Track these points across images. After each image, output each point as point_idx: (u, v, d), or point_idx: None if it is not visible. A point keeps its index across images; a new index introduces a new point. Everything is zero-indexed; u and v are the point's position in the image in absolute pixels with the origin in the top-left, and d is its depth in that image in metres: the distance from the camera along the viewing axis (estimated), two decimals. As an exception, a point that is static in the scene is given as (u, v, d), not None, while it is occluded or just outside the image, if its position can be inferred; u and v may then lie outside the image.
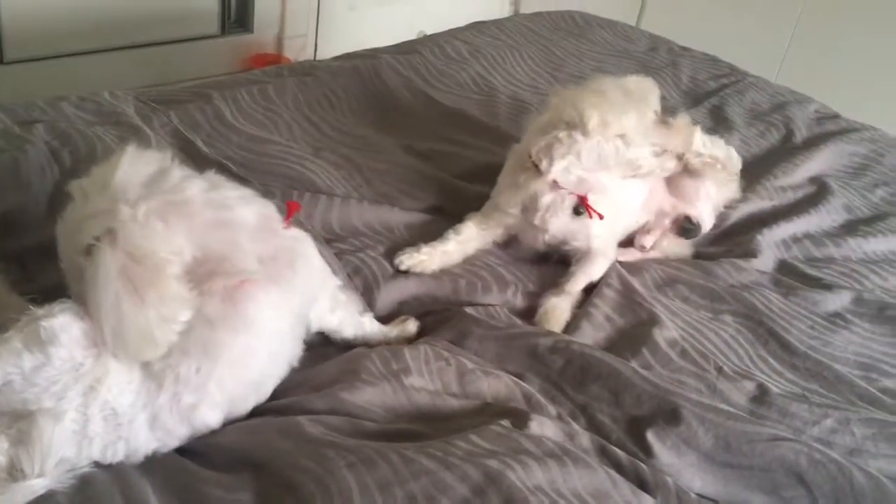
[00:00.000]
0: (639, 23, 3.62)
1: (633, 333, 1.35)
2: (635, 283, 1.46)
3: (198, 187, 0.99)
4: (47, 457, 0.89)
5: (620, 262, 1.53)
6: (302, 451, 0.98)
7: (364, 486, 0.91)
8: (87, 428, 0.92)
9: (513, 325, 1.32)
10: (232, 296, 0.98)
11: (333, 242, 1.47)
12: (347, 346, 1.25)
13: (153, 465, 0.98)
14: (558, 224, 1.47)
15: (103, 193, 0.94)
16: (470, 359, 1.21)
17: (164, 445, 0.99)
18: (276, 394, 1.11)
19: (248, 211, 1.03)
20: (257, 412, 1.08)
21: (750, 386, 1.26)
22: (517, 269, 1.51)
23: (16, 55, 2.60)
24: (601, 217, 1.45)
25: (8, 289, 1.16)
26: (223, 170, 1.53)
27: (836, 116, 2.24)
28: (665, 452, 1.11)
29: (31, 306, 0.93)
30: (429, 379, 1.15)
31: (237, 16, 3.18)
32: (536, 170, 1.44)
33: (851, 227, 1.75)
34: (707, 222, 1.64)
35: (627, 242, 1.61)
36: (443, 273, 1.45)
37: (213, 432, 1.03)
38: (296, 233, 1.13)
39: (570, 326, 1.36)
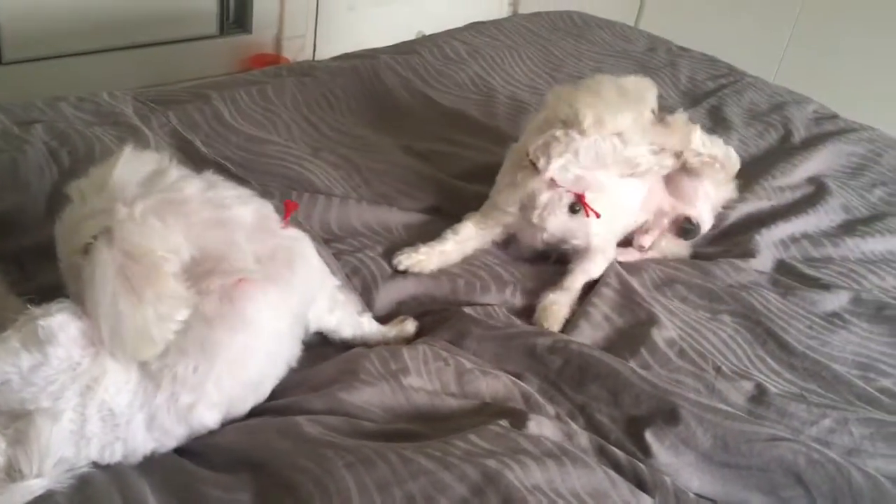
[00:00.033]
0: (637, 23, 3.63)
1: (632, 333, 1.35)
2: (634, 282, 1.46)
3: (195, 187, 1.00)
4: (45, 457, 0.89)
5: (619, 263, 1.53)
6: (300, 451, 0.98)
7: (363, 486, 0.91)
8: (85, 428, 0.92)
9: (511, 325, 1.32)
10: (230, 295, 0.98)
11: (332, 243, 1.47)
12: (346, 346, 1.25)
13: (152, 465, 0.98)
14: (556, 222, 1.47)
15: (101, 194, 0.95)
16: (468, 359, 1.21)
17: (162, 446, 0.99)
18: (275, 394, 1.11)
19: (246, 210, 1.03)
20: (256, 412, 1.08)
21: (748, 386, 1.26)
22: (515, 268, 1.51)
23: (15, 55, 2.60)
24: (598, 215, 1.45)
25: (6, 289, 1.16)
26: (222, 170, 1.54)
27: (834, 116, 2.24)
28: (663, 452, 1.11)
29: (29, 306, 0.93)
30: (427, 379, 1.15)
31: (236, 16, 3.17)
32: (534, 168, 1.44)
33: (849, 227, 1.75)
34: (706, 222, 1.64)
35: (626, 242, 1.61)
36: (441, 273, 1.45)
37: (212, 432, 1.03)
38: (294, 232, 1.13)
39: (569, 326, 1.36)
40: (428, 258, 1.44)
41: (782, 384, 1.30)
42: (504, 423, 1.06)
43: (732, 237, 1.70)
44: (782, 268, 1.61)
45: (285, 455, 0.98)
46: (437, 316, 1.37)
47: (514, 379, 1.19)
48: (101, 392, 0.92)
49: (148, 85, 2.31)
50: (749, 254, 1.61)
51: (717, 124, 2.11)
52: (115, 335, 0.90)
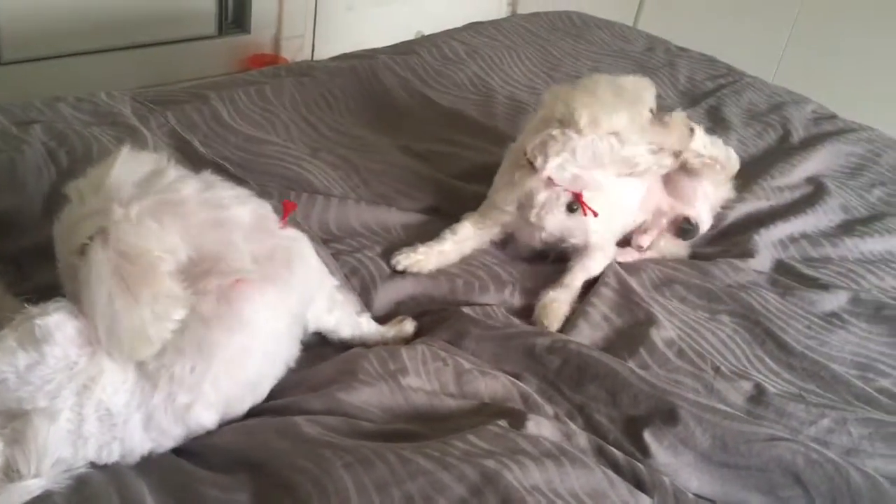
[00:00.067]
0: (636, 23, 3.62)
1: (631, 333, 1.35)
2: (633, 282, 1.46)
3: (192, 187, 1.00)
4: (43, 457, 0.89)
5: (618, 263, 1.53)
6: (299, 451, 0.98)
7: (361, 486, 0.91)
8: (82, 428, 0.92)
9: (510, 325, 1.32)
10: (227, 295, 0.98)
11: (331, 243, 1.47)
12: (345, 346, 1.25)
13: (149, 465, 0.98)
14: (554, 221, 1.47)
15: (98, 194, 0.95)
16: (467, 359, 1.21)
17: (160, 446, 0.99)
18: (274, 394, 1.11)
19: (244, 210, 1.03)
20: (254, 412, 1.08)
21: (747, 386, 1.26)
22: (514, 268, 1.51)
23: (13, 55, 2.60)
24: (595, 214, 1.45)
25: (4, 289, 1.16)
26: (220, 170, 1.54)
27: (833, 117, 2.25)
28: (662, 452, 1.11)
29: (26, 305, 0.93)
30: (426, 379, 1.15)
31: (234, 16, 3.17)
32: (531, 167, 1.44)
33: (848, 227, 1.75)
34: (705, 222, 1.64)
35: (625, 242, 1.61)
36: (440, 273, 1.45)
37: (210, 432, 1.03)
38: (292, 232, 1.13)
39: (568, 325, 1.36)
40: (426, 258, 1.44)
41: (781, 384, 1.30)
42: (503, 423, 1.06)
43: (731, 237, 1.70)
44: (781, 268, 1.61)
45: (284, 455, 0.98)
46: (435, 316, 1.37)
47: (512, 379, 1.19)
48: (98, 391, 0.92)
49: (146, 85, 2.31)
50: (748, 254, 1.61)
51: (715, 124, 2.11)
52: (111, 335, 0.90)
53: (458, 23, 2.51)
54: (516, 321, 1.35)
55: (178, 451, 1.02)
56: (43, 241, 1.06)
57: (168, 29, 2.94)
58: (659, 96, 1.56)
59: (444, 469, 0.93)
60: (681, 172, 1.57)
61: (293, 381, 1.13)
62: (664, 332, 1.33)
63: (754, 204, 1.78)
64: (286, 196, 1.53)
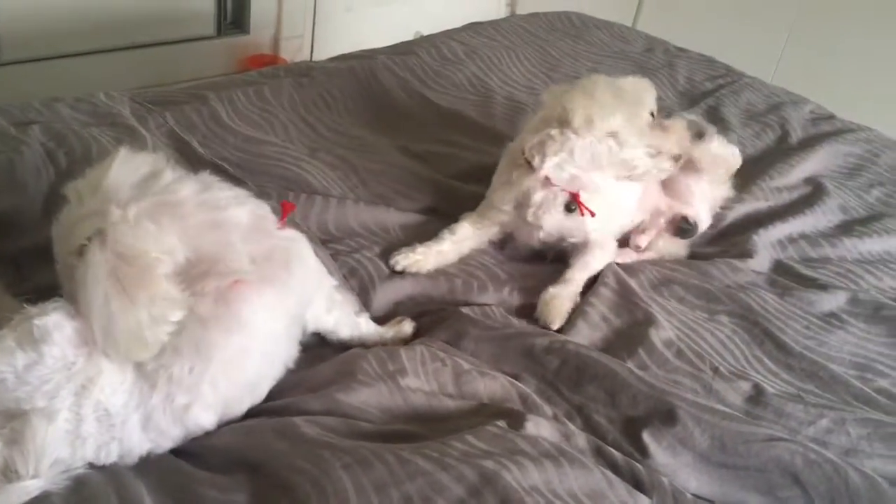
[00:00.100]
0: (635, 24, 3.62)
1: (630, 333, 1.35)
2: (632, 283, 1.46)
3: (190, 188, 1.00)
4: (42, 457, 0.89)
5: (617, 264, 1.53)
6: (298, 452, 0.98)
7: (360, 486, 0.91)
8: (81, 428, 0.92)
9: (509, 326, 1.32)
10: (225, 296, 0.98)
11: (329, 243, 1.47)
12: (344, 346, 1.25)
13: (148, 465, 0.98)
14: (552, 221, 1.47)
15: (96, 195, 0.95)
16: (466, 359, 1.21)
17: (158, 446, 0.99)
18: (272, 395, 1.11)
19: (242, 211, 1.03)
20: (253, 413, 1.08)
21: (745, 386, 1.26)
22: (513, 268, 1.51)
23: (12, 56, 2.60)
24: (592, 214, 1.45)
25: (3, 289, 1.16)
26: (219, 171, 1.53)
27: (831, 117, 2.25)
28: (661, 453, 1.11)
29: (25, 305, 0.93)
30: (425, 380, 1.15)
31: (233, 17, 3.17)
32: (529, 166, 1.44)
33: (847, 228, 1.75)
34: (704, 222, 1.64)
35: (623, 243, 1.61)
36: (438, 273, 1.45)
37: (209, 433, 1.03)
38: (291, 233, 1.13)
39: (567, 325, 1.36)
40: (425, 258, 1.44)
41: (780, 384, 1.30)
42: (501, 423, 1.06)
43: (730, 237, 1.70)
44: (780, 268, 1.61)
45: (282, 456, 0.98)
46: (434, 316, 1.37)
47: (511, 380, 1.19)
48: (96, 392, 0.92)
49: (145, 86, 2.31)
50: (746, 254, 1.61)
51: (714, 125, 2.09)
52: (107, 337, 0.90)
53: (457, 23, 2.51)
54: (515, 321, 1.35)
55: (176, 452, 1.02)
56: (42, 242, 1.06)
57: (167, 29, 2.94)
58: (658, 97, 1.56)
59: (443, 470, 0.93)
60: (679, 172, 1.57)
61: (292, 382, 1.13)
62: (663, 333, 1.33)
63: (753, 204, 1.78)
64: (285, 196, 1.53)
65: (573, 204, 1.45)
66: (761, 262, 1.61)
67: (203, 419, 1.01)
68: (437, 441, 1.00)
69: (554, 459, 0.99)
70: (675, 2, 3.70)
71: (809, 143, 2.05)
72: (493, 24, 2.54)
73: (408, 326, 1.33)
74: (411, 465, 0.93)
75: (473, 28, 2.45)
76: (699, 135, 1.57)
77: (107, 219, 0.91)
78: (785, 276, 1.57)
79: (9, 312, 0.93)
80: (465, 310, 1.34)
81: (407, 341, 1.30)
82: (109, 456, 0.96)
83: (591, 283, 1.47)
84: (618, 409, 1.17)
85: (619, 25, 2.73)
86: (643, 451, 1.11)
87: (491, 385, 1.16)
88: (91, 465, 0.95)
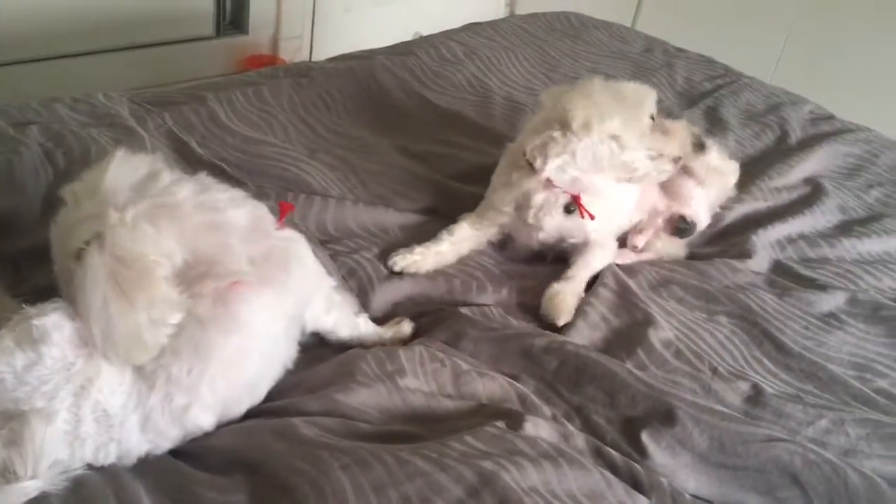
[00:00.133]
0: (634, 24, 3.63)
1: (629, 334, 1.35)
2: (631, 283, 1.46)
3: (188, 190, 1.00)
4: (40, 458, 0.89)
5: (617, 265, 1.53)
6: (296, 452, 0.97)
7: (359, 487, 0.91)
8: (79, 429, 0.92)
9: (507, 326, 1.32)
10: (223, 297, 0.98)
11: (328, 244, 1.47)
12: (343, 347, 1.25)
13: (146, 466, 0.98)
14: (552, 222, 1.47)
15: (93, 198, 0.95)
16: (465, 360, 1.21)
17: (157, 447, 0.99)
18: (271, 395, 1.11)
19: (239, 213, 1.03)
20: (252, 414, 1.08)
21: (744, 386, 1.26)
22: (512, 268, 1.51)
23: (10, 56, 2.60)
24: (592, 217, 1.45)
25: (2, 290, 1.16)
26: (218, 171, 1.54)
27: (830, 117, 2.25)
28: (660, 453, 1.11)
29: (24, 306, 0.93)
30: (424, 380, 1.15)
31: (232, 17, 3.17)
32: (530, 168, 1.44)
33: (846, 228, 1.75)
34: (702, 221, 1.64)
35: (621, 243, 1.61)
36: (437, 273, 1.45)
37: (207, 434, 1.03)
38: (289, 234, 1.13)
39: (566, 325, 1.36)
40: (423, 259, 1.44)
41: (778, 385, 1.30)
42: (500, 424, 1.06)
43: (729, 238, 1.70)
44: (779, 268, 1.61)
45: (281, 457, 0.98)
46: (433, 317, 1.37)
47: (510, 380, 1.19)
48: (95, 392, 0.92)
49: (144, 86, 2.30)
50: (745, 254, 1.61)
51: (713, 125, 2.11)
52: (107, 340, 0.90)
53: (457, 23, 2.51)
54: (514, 322, 1.35)
55: (175, 453, 1.02)
56: (41, 243, 1.06)
57: (166, 30, 2.93)
58: (658, 98, 1.56)
59: (442, 470, 0.93)
60: (678, 172, 1.57)
61: (291, 383, 1.13)
62: (662, 333, 1.33)
63: (752, 205, 1.78)
64: (284, 197, 1.53)
65: (572, 205, 1.45)
66: (760, 262, 1.61)
67: (202, 420, 1.01)
68: (435, 442, 1.00)
69: (553, 460, 0.99)
70: (675, 2, 3.70)
71: (808, 144, 2.05)
72: (492, 24, 2.54)
73: (407, 327, 1.33)
74: (410, 465, 0.93)
75: (472, 28, 2.45)
76: (699, 146, 1.57)
77: (105, 222, 0.91)
78: (784, 277, 1.57)
79: (8, 313, 0.93)
80: (463, 310, 1.34)
81: (406, 342, 1.30)
82: (108, 457, 0.96)
83: (590, 284, 1.47)
84: (617, 409, 1.17)
85: (617, 26, 2.73)
86: (642, 452, 1.11)
87: (490, 385, 1.16)
88: (89, 466, 0.95)
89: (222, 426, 1.04)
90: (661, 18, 3.58)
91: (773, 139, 2.11)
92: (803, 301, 1.49)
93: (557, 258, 1.53)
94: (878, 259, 1.68)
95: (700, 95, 2.29)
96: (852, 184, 1.93)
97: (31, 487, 0.89)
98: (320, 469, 0.93)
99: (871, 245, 1.70)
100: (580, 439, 1.10)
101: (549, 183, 1.44)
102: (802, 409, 1.22)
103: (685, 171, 1.57)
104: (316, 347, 1.25)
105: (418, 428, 1.07)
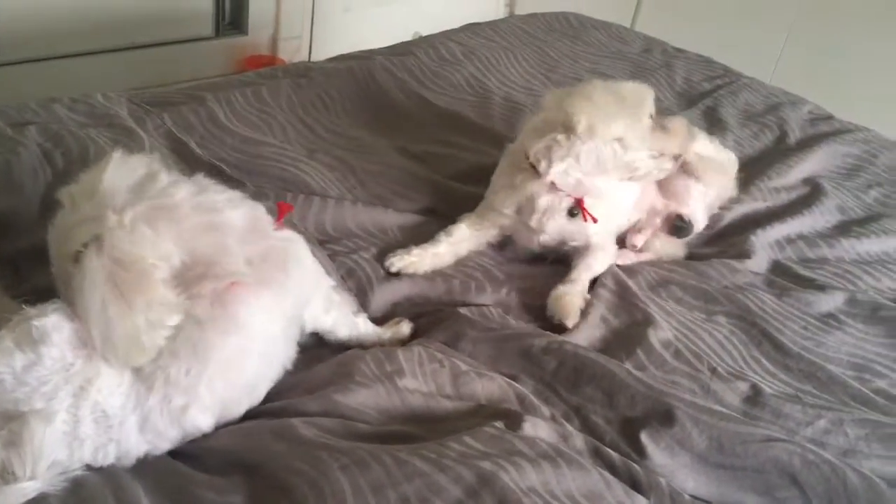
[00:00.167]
0: (634, 24, 3.63)
1: (628, 334, 1.35)
2: (630, 283, 1.47)
3: (185, 191, 1.00)
4: (39, 459, 0.89)
5: (618, 266, 1.53)
6: (295, 453, 0.97)
7: (357, 488, 0.91)
8: (78, 430, 0.92)
9: (506, 326, 1.32)
10: (221, 298, 0.98)
11: (327, 244, 1.47)
12: (341, 347, 1.25)
13: (145, 467, 0.98)
14: (555, 226, 1.47)
15: (91, 200, 0.95)
16: (464, 360, 1.21)
17: (156, 448, 0.99)
18: (270, 396, 1.11)
19: (237, 214, 1.03)
20: (251, 415, 1.08)
21: (743, 387, 1.26)
22: (511, 269, 1.51)
23: (9, 56, 2.59)
24: (595, 220, 1.45)
25: (1, 291, 1.16)
26: (217, 172, 1.54)
27: (829, 117, 2.25)
28: (658, 453, 1.11)
29: (24, 306, 0.93)
30: (422, 381, 1.15)
31: (231, 17, 3.17)
32: (534, 171, 1.44)
33: (845, 228, 1.75)
34: (700, 221, 1.64)
35: (620, 242, 1.61)
36: (436, 274, 1.45)
37: (206, 435, 1.03)
38: (287, 234, 1.13)
39: (566, 326, 1.36)
40: (420, 260, 1.44)
41: (777, 385, 1.30)
42: (499, 424, 1.06)
43: (728, 238, 1.70)
44: (777, 269, 1.61)
45: (280, 457, 0.98)
46: (432, 317, 1.36)
47: (509, 380, 1.19)
48: (94, 393, 0.92)
49: (143, 86, 2.30)
50: (744, 255, 1.61)
51: (712, 125, 2.11)
52: (105, 342, 0.90)
53: (456, 24, 2.51)
54: (513, 322, 1.35)
55: (174, 454, 1.01)
56: (40, 243, 1.06)
57: (165, 30, 2.93)
58: (657, 98, 1.57)
59: (441, 471, 0.93)
60: (676, 171, 1.57)
61: (290, 384, 1.13)
62: (661, 333, 1.34)
63: (751, 205, 1.78)
64: (283, 197, 1.53)
65: (576, 209, 1.45)
66: (759, 262, 1.61)
67: (200, 421, 1.01)
68: (434, 442, 1.00)
69: (551, 460, 0.99)
70: (674, 2, 3.70)
71: (808, 144, 2.06)
72: (491, 24, 2.54)
73: (405, 327, 1.33)
74: (409, 466, 0.93)
75: (472, 29, 2.45)
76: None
77: (103, 224, 0.91)
78: (783, 277, 1.57)
79: (7, 314, 0.93)
80: (462, 310, 1.34)
81: (405, 342, 1.29)
82: (107, 457, 0.95)
83: (592, 284, 1.47)
84: (615, 409, 1.17)
85: (616, 26, 2.73)
86: (641, 452, 1.11)
87: (488, 386, 1.16)
88: (88, 467, 0.95)
89: (221, 427, 1.04)
90: (661, 19, 3.58)
91: (772, 139, 2.11)
92: (802, 301, 1.49)
93: (558, 259, 1.53)
94: (877, 259, 1.68)
95: (699, 96, 2.29)
96: (851, 184, 1.93)
97: (30, 488, 0.89)
98: (319, 470, 0.93)
99: (869, 245, 1.70)
100: (579, 439, 1.10)
101: (553, 186, 1.44)
102: (801, 409, 1.22)
103: (683, 168, 1.56)
104: (315, 348, 1.25)
105: (417, 428, 1.07)
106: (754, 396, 1.24)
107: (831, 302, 1.50)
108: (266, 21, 3.22)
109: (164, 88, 2.10)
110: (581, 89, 1.46)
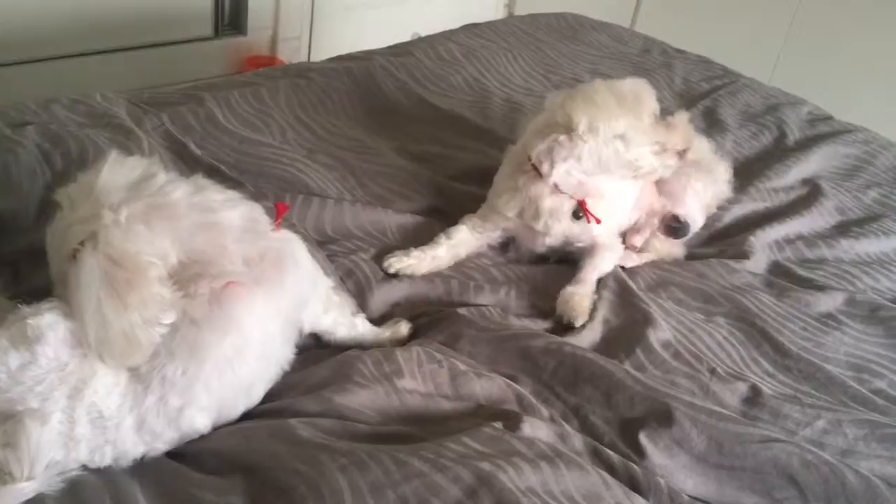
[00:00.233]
0: (633, 25, 3.63)
1: (627, 334, 1.35)
2: (630, 284, 1.46)
3: (182, 191, 1.00)
4: (36, 460, 0.89)
5: (620, 268, 1.53)
6: (294, 453, 0.97)
7: (356, 488, 0.91)
8: (74, 430, 0.92)
9: (505, 327, 1.32)
10: (218, 298, 0.98)
11: (326, 244, 1.47)
12: (340, 347, 1.25)
13: (143, 468, 0.98)
14: (559, 228, 1.47)
15: (88, 200, 0.95)
16: (463, 361, 1.21)
17: (153, 449, 0.99)
18: (269, 397, 1.11)
19: (234, 213, 1.03)
20: (249, 415, 1.08)
21: (742, 387, 1.26)
22: (510, 269, 1.51)
23: (8, 57, 2.59)
24: (598, 221, 1.45)
25: (-1, 291, 1.16)
26: (215, 172, 1.54)
27: (828, 118, 2.25)
28: (658, 454, 1.11)
29: (19, 306, 0.93)
30: (421, 381, 1.15)
31: (231, 18, 3.16)
32: (536, 173, 1.44)
33: (844, 229, 1.75)
34: (696, 221, 1.64)
35: (619, 243, 1.61)
36: (435, 274, 1.45)
37: (204, 436, 1.03)
38: (285, 234, 1.13)
39: (565, 326, 1.36)
40: (419, 262, 1.44)
41: (776, 385, 1.30)
42: (498, 425, 1.06)
43: (727, 238, 1.70)
44: (776, 269, 1.61)
45: (278, 458, 0.97)
46: (431, 317, 1.36)
47: (508, 381, 1.19)
48: (89, 394, 0.92)
49: (142, 87, 2.30)
50: (743, 255, 1.61)
51: (711, 126, 2.11)
52: (101, 340, 0.90)
53: (455, 24, 2.51)
54: (512, 322, 1.35)
55: (172, 455, 1.01)
56: (38, 244, 1.06)
57: (164, 30, 2.93)
58: (657, 97, 1.56)
59: (439, 471, 0.93)
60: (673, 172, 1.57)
61: (288, 384, 1.13)
62: (661, 334, 1.33)
63: (750, 205, 1.79)
64: (282, 198, 1.53)
65: (580, 211, 1.45)
66: (758, 263, 1.61)
67: (197, 421, 1.00)
68: (433, 442, 1.00)
69: (550, 461, 0.99)
70: (673, 3, 3.70)
71: (807, 145, 2.06)
72: (490, 25, 2.54)
73: (404, 328, 1.32)
74: (407, 466, 0.93)
75: (471, 29, 2.45)
76: None
77: (99, 222, 0.91)
78: (782, 278, 1.57)
79: (4, 314, 0.93)
80: (461, 311, 1.34)
81: (403, 343, 1.29)
82: (104, 458, 0.95)
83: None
84: (614, 410, 1.17)
85: (616, 27, 2.73)
86: (640, 453, 1.11)
87: (487, 386, 1.16)
88: (85, 468, 0.95)
89: (219, 427, 1.04)
90: (660, 19, 3.58)
91: (771, 140, 2.11)
92: (801, 302, 1.49)
93: (561, 259, 1.53)
94: (876, 260, 1.68)
95: (698, 96, 2.29)
96: (850, 184, 1.93)
97: (28, 489, 0.88)
98: (318, 470, 0.93)
99: (868, 246, 1.70)
100: (578, 440, 1.10)
101: (555, 188, 1.44)
102: (800, 409, 1.22)
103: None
104: (313, 348, 1.25)
105: (416, 429, 1.07)
106: (753, 397, 1.24)
107: (830, 302, 1.50)
108: (265, 21, 3.22)
109: (163, 89, 2.09)
110: (582, 90, 1.46)
